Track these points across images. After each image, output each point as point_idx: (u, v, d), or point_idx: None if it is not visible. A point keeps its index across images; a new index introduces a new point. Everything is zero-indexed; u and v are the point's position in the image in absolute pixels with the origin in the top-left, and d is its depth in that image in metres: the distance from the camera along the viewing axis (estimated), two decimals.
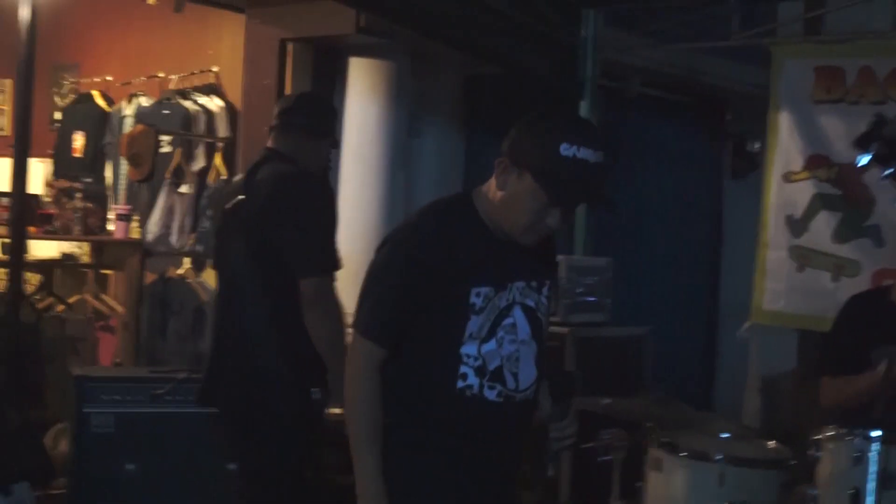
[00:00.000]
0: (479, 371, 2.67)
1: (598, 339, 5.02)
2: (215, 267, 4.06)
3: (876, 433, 3.37)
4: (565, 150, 2.52)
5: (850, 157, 4.96)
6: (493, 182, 2.69)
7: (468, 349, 2.66)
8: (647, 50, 6.15)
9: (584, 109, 5.58)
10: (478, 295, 2.65)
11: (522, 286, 2.74)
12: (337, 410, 4.18)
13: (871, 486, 3.32)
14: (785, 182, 5.16)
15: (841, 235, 5.05)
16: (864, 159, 1.91)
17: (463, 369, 2.66)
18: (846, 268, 4.99)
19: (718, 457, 3.72)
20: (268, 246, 3.74)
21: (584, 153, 2.53)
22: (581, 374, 4.80)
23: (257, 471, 3.82)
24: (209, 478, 4.58)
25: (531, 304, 2.76)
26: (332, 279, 3.75)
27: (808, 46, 5.23)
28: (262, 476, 3.79)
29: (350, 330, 2.81)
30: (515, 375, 2.72)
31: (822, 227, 5.09)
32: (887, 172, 1.88)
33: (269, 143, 3.95)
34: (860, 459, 3.35)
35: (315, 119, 3.95)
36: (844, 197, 5.01)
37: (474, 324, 2.65)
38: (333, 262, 3.77)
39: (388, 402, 2.71)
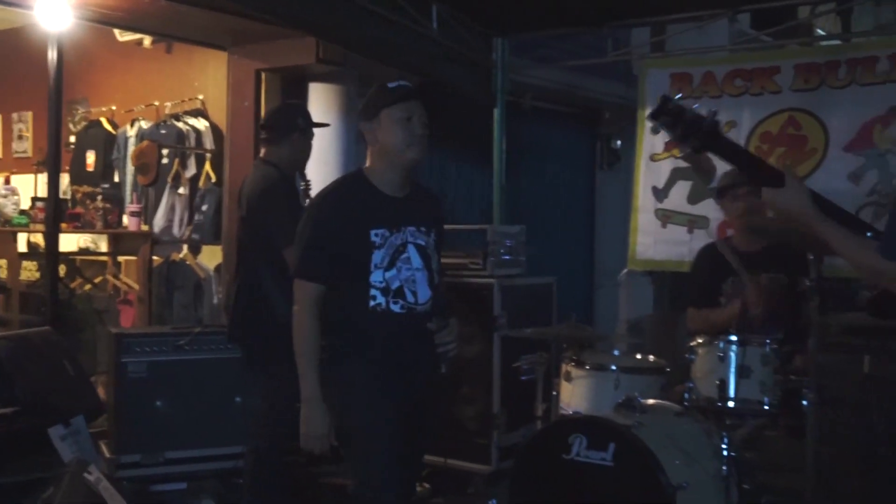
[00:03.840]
0: (384, 291, 2.85)
1: (517, 286, 5.05)
2: (237, 242, 4.03)
3: (733, 337, 3.53)
4: (391, 85, 2.88)
5: None
6: (368, 151, 2.95)
7: (375, 277, 2.84)
8: (539, 70, 6.23)
9: (497, 115, 5.63)
10: (376, 235, 2.85)
11: (413, 230, 2.93)
12: None
13: (732, 376, 3.47)
14: (651, 161, 5.25)
15: (692, 198, 5.14)
16: (654, 127, 2.01)
17: (372, 292, 2.84)
18: (697, 222, 5.09)
19: (613, 367, 3.85)
20: (257, 227, 3.78)
21: (400, 83, 2.89)
22: (505, 313, 4.89)
23: (269, 379, 3.78)
24: (220, 408, 4.56)
25: (421, 242, 2.94)
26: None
27: (665, 59, 5.36)
28: (272, 385, 3.76)
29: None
30: (414, 293, 2.89)
31: (679, 193, 5.18)
32: (673, 135, 1.99)
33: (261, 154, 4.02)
34: (723, 358, 3.49)
35: (273, 130, 3.93)
36: (693, 168, 5.07)
37: (377, 256, 2.85)
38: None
39: (324, 326, 2.87)
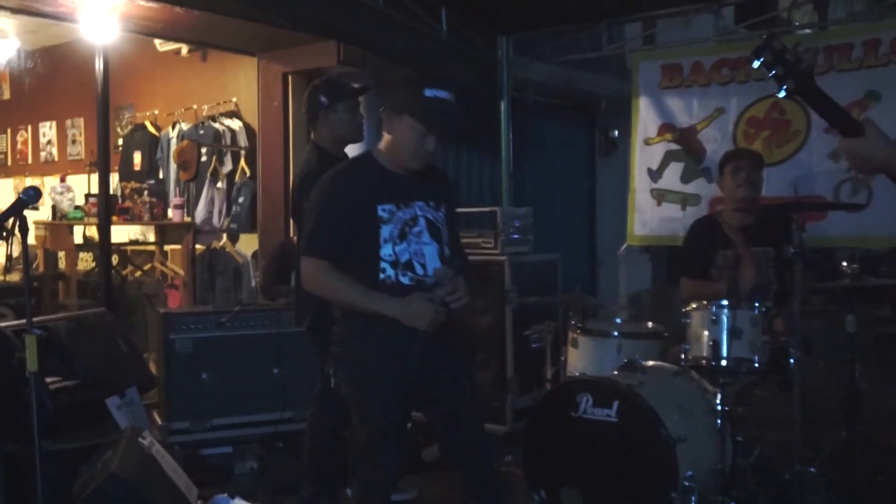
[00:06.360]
0: (393, 264, 2.70)
1: (526, 262, 5.01)
2: None
3: (724, 302, 3.49)
4: (428, 92, 2.60)
5: (687, 122, 5.08)
6: (384, 135, 2.74)
7: (385, 250, 2.70)
8: (540, 66, 6.15)
9: (503, 109, 5.57)
10: (383, 210, 2.70)
11: (422, 205, 2.77)
12: None
13: (724, 338, 3.44)
14: (645, 145, 5.20)
15: (685, 178, 5.09)
16: (756, 63, 1.91)
17: (382, 265, 2.70)
18: (690, 200, 5.04)
19: (615, 333, 3.84)
20: (298, 213, 3.44)
21: (441, 94, 2.62)
22: (515, 287, 4.86)
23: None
24: (259, 379, 4.52)
25: (430, 217, 2.78)
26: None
27: (656, 51, 5.31)
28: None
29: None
30: (423, 265, 2.74)
31: (672, 173, 5.12)
32: (771, 74, 1.90)
33: None
34: (716, 321, 3.45)
35: (308, 114, 3.62)
36: (685, 150, 5.06)
37: (385, 231, 2.69)
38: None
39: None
